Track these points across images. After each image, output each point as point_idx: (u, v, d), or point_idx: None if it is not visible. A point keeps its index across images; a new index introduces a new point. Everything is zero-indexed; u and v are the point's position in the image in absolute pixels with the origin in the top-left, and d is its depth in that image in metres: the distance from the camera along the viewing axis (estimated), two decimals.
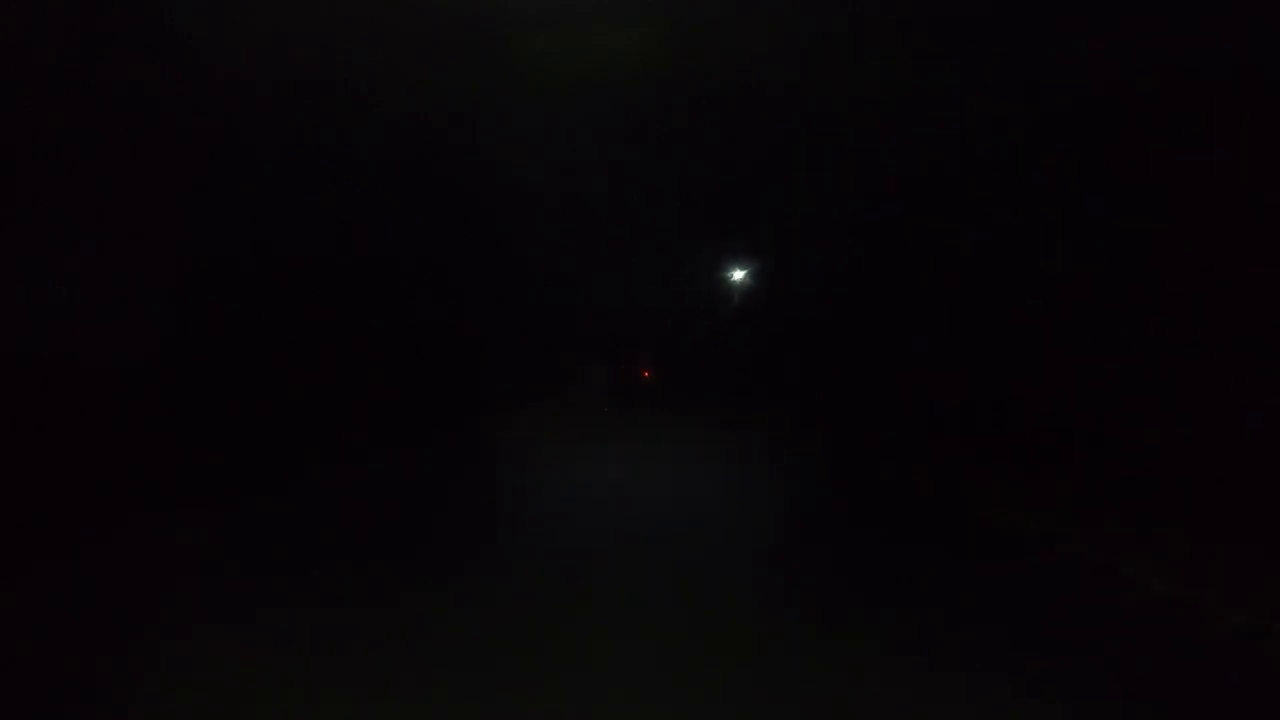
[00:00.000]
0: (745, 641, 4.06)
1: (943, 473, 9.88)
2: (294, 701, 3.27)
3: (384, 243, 13.45)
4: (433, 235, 15.23)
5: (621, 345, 33.59)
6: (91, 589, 4.86)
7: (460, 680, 3.50)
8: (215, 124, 8.87)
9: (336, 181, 11.24)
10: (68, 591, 4.81)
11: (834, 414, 16.88)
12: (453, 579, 5.22)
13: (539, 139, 14.39)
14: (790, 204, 20.14)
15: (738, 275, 28.00)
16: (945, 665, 3.76)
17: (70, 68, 7.17)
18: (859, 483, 10.22)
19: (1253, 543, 5.76)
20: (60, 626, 4.20)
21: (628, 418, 23.73)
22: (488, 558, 5.91)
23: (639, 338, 35.48)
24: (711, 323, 31.98)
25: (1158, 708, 3.36)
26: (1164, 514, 6.72)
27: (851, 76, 11.52)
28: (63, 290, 7.15)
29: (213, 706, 3.22)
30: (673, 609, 4.63)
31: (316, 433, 9.76)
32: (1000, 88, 10.19)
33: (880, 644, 4.06)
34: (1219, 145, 7.74)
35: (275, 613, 4.40)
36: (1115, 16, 8.30)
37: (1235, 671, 3.84)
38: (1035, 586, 5.29)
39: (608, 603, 4.73)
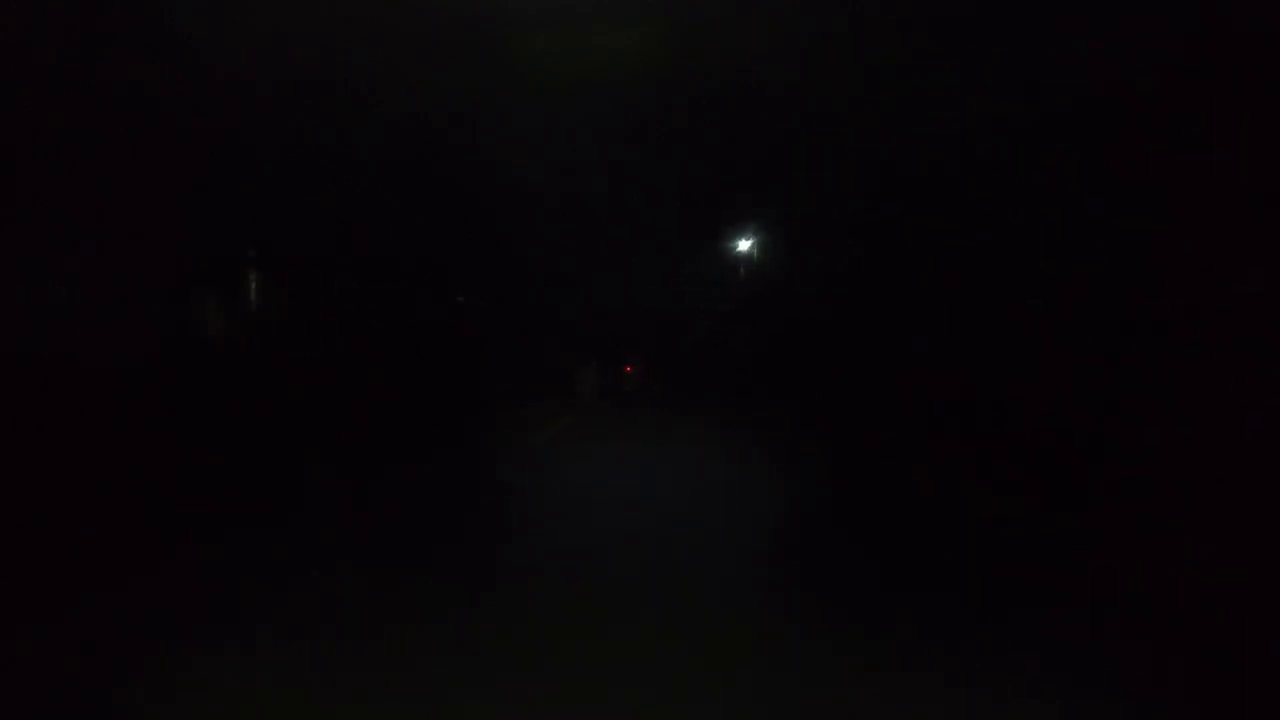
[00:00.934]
0: (742, 639, 4.07)
1: (943, 472, 9.88)
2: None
3: (384, 242, 13.45)
4: (433, 235, 15.23)
5: (622, 345, 33.57)
6: (95, 607, 4.85)
7: (461, 677, 3.50)
8: (215, 124, 8.87)
9: (336, 181, 11.24)
10: (71, 610, 4.80)
11: (834, 414, 16.88)
12: (453, 570, 5.23)
13: (539, 139, 14.37)
14: (790, 204, 20.14)
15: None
16: (943, 668, 3.76)
17: (70, 68, 7.17)
18: (858, 483, 10.21)
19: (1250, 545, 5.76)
20: (64, 645, 4.19)
21: (627, 417, 23.71)
22: (488, 552, 5.91)
23: (639, 338, 35.45)
24: (711, 322, 31.97)
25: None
26: (1173, 517, 6.71)
27: (851, 76, 11.52)
28: (63, 290, 7.15)
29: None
30: (670, 608, 4.63)
31: (319, 432, 9.76)
32: (1001, 87, 10.19)
33: (868, 645, 4.06)
34: (1219, 144, 7.75)
35: (288, 619, 4.40)
36: (1116, 16, 8.30)
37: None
38: (1032, 584, 5.29)
39: (607, 600, 4.73)
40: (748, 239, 24.83)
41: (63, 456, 6.54)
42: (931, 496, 8.78)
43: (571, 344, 27.59)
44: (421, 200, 14.08)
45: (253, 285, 10.18)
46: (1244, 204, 7.52)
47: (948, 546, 6.49)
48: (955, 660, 3.81)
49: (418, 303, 15.28)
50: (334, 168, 11.07)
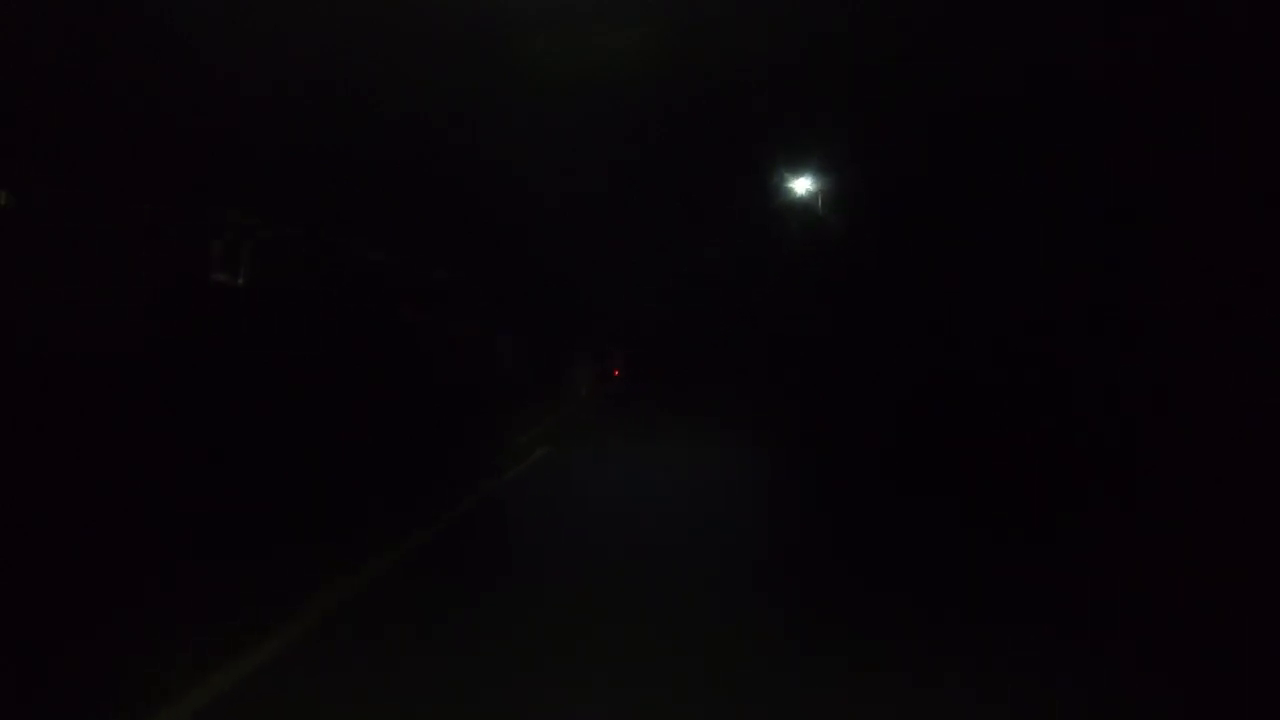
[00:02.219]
0: (742, 640, 4.08)
1: (941, 471, 9.89)
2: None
3: (383, 243, 13.43)
4: (433, 235, 15.22)
5: (621, 345, 33.58)
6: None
7: (461, 677, 3.50)
8: (215, 124, 8.85)
9: (336, 181, 11.23)
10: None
11: (834, 414, 16.88)
12: (453, 570, 5.23)
13: (539, 139, 14.39)
14: (789, 204, 20.15)
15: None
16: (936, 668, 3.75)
17: (70, 68, 7.16)
18: (858, 484, 10.22)
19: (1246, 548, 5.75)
20: (63, 644, 4.19)
21: (627, 417, 23.68)
22: (489, 552, 5.92)
23: (639, 338, 35.46)
24: (713, 322, 32.01)
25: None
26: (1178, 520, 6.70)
27: (851, 76, 11.54)
28: (62, 290, 7.13)
29: None
30: (670, 608, 4.64)
31: (319, 432, 9.75)
32: (1000, 86, 10.19)
33: (868, 645, 4.06)
34: (1219, 144, 7.74)
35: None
36: (1117, 15, 8.30)
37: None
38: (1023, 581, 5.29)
39: (607, 600, 4.73)
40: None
41: (57, 456, 6.52)
42: (931, 496, 8.79)
43: (571, 344, 27.57)
44: (422, 200, 14.07)
45: (250, 285, 10.17)
46: (1244, 204, 7.51)
47: (948, 546, 6.49)
48: (955, 660, 3.81)
49: (417, 303, 15.27)
50: (334, 167, 11.06)
